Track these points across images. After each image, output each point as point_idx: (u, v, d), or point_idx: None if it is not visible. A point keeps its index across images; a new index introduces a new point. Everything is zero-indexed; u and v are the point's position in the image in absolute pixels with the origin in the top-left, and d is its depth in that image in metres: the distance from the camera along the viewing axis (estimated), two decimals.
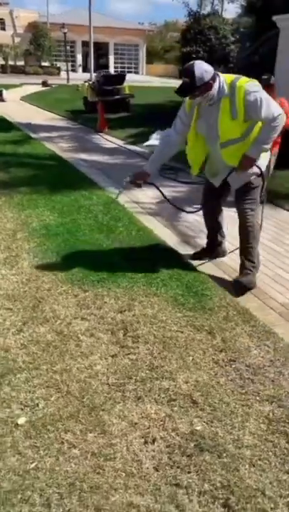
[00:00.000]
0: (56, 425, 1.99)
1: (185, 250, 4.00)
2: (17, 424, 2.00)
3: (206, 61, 8.74)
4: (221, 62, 10.62)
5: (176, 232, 4.51)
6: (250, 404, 2.17)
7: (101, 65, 47.18)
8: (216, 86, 2.91)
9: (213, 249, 3.77)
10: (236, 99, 2.89)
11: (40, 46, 43.66)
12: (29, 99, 18.97)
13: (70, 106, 15.75)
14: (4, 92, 18.17)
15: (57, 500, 1.67)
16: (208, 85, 2.89)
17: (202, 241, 4.05)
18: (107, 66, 48.06)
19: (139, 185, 3.47)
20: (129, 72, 50.14)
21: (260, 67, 11.02)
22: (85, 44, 39.23)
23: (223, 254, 3.80)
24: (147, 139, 9.37)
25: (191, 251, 3.96)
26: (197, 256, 3.77)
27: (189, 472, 1.80)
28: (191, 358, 2.50)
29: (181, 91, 2.95)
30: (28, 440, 1.92)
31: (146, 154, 8.35)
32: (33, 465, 1.80)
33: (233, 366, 2.45)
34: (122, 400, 2.17)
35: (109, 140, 9.93)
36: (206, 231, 3.83)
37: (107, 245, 3.97)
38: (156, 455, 1.88)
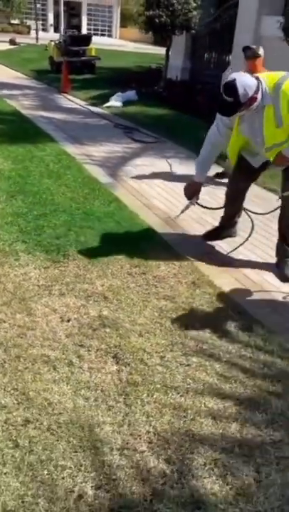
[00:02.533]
0: None
1: (124, 196, 4.51)
2: None
3: (169, 26, 9.03)
4: (183, 27, 10.87)
5: (117, 180, 5.01)
6: (149, 300, 2.76)
7: (73, 26, 45.85)
8: (259, 96, 2.74)
9: (226, 229, 3.56)
10: (280, 105, 2.71)
11: (9, 2, 42.07)
12: None
13: (36, 65, 15.69)
14: None
15: None
16: (252, 99, 2.72)
17: (135, 184, 4.57)
18: (79, 27, 46.72)
19: (195, 200, 3.36)
20: (102, 35, 48.96)
21: (221, 33, 11.41)
22: (57, 2, 38.06)
23: (234, 234, 3.58)
24: (108, 101, 9.71)
25: (130, 196, 4.48)
26: (209, 235, 3.61)
27: (92, 338, 2.38)
28: (110, 270, 3.06)
29: (226, 112, 2.83)
30: None
31: (105, 115, 8.74)
32: None
33: (143, 277, 3.03)
34: (48, 296, 2.72)
35: (71, 100, 10.20)
36: None
37: (54, 188, 4.45)
38: (68, 328, 2.45)
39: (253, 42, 9.37)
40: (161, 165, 5.68)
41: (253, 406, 2.02)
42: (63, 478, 1.64)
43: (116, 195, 4.45)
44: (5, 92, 10.29)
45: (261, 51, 4.59)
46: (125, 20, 50.04)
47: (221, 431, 1.88)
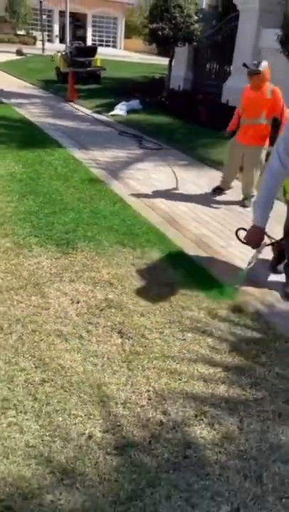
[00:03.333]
0: (9, 292, 2.84)
1: (128, 196, 4.83)
2: None
3: (171, 38, 9.40)
4: (185, 39, 11.27)
5: (121, 183, 5.34)
6: (150, 286, 3.06)
7: (78, 37, 46.61)
8: None
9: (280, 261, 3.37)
10: None
11: (15, 13, 42.84)
12: (2, 67, 19.15)
13: (43, 75, 16.14)
14: None
15: (7, 327, 2.52)
16: None
17: (141, 188, 4.90)
18: (84, 38, 47.55)
19: (262, 248, 2.95)
20: (107, 46, 49.69)
21: (222, 45, 11.80)
22: (63, 14, 38.78)
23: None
24: (113, 109, 10.09)
25: (133, 197, 4.80)
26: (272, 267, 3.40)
27: (99, 317, 2.68)
28: (115, 261, 3.37)
29: None
30: None
31: (109, 123, 9.10)
32: None
33: (145, 266, 3.33)
34: (59, 281, 3.03)
35: (77, 108, 10.58)
36: None
37: (62, 189, 4.78)
38: (78, 308, 2.75)
39: (253, 53, 9.81)
40: (162, 169, 6.01)
41: (240, 372, 2.31)
42: (75, 424, 1.93)
43: (120, 195, 4.76)
44: (13, 100, 10.68)
45: (264, 64, 4.44)
46: (130, 31, 50.78)
47: (210, 390, 2.18)
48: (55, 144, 6.80)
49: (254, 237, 2.77)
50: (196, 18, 11.05)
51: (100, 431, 1.91)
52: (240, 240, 3.02)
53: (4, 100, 10.55)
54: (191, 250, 3.70)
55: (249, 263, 3.03)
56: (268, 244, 3.00)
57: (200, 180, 5.67)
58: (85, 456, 1.79)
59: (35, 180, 4.97)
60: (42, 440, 1.84)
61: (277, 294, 3.16)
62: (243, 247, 3.72)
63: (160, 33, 10.93)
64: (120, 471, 1.74)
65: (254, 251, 2.96)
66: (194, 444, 1.88)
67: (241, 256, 3.67)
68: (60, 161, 5.83)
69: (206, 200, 5.00)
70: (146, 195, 4.93)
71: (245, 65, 4.55)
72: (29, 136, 7.02)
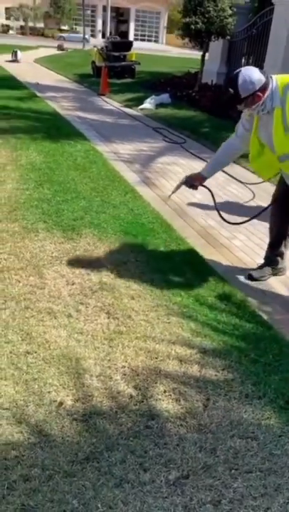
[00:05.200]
0: (10, 272, 3.02)
1: (141, 188, 4.95)
2: None
3: (204, 32, 9.39)
4: (218, 34, 11.22)
5: (138, 175, 5.45)
6: (144, 273, 3.16)
7: (121, 32, 46.92)
8: (266, 95, 2.59)
9: (273, 264, 3.29)
10: (286, 108, 2.57)
11: (60, 9, 43.61)
12: (42, 61, 19.65)
13: (80, 70, 16.46)
14: (19, 53, 18.85)
15: (2, 303, 2.69)
16: (255, 97, 2.57)
17: (159, 182, 4.99)
18: (127, 33, 47.85)
19: (194, 188, 3.24)
20: (149, 40, 49.78)
21: (257, 39, 11.67)
22: (106, 9, 39.13)
23: (282, 271, 3.33)
24: (142, 103, 10.20)
25: (147, 189, 4.91)
26: (256, 275, 3.24)
27: (90, 298, 2.82)
28: (115, 247, 3.49)
29: (230, 103, 2.73)
30: None
31: (137, 116, 9.23)
32: None
33: (144, 254, 3.44)
34: (59, 264, 3.18)
35: (108, 102, 10.76)
36: None
37: (78, 179, 4.94)
38: (72, 289, 2.90)
39: (287, 48, 9.67)
40: (182, 162, 6.08)
41: (216, 355, 2.39)
42: (49, 392, 2.07)
43: (133, 186, 4.88)
44: (47, 94, 10.97)
45: None
46: (172, 26, 50.69)
47: (183, 370, 2.27)
48: (80, 136, 6.99)
49: (194, 179, 3.18)
50: (230, 12, 10.98)
51: (71, 399, 2.04)
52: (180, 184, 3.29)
53: (38, 94, 10.86)
54: (194, 240, 3.78)
55: (173, 191, 3.38)
56: (201, 185, 3.25)
57: (217, 174, 5.69)
58: (52, 421, 1.92)
59: (54, 169, 5.16)
60: (16, 404, 1.99)
61: (267, 284, 3.20)
62: (246, 239, 3.77)
63: (193, 26, 10.94)
64: (83, 435, 1.87)
65: (180, 186, 3.27)
66: (158, 417, 1.98)
67: (243, 248, 3.72)
68: (81, 152, 6.00)
69: (221, 194, 5.04)
70: (160, 187, 5.03)
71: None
72: (55, 128, 7.23)
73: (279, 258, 3.28)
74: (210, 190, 3.34)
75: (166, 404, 2.06)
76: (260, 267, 3.31)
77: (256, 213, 3.39)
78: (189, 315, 2.72)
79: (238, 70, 2.62)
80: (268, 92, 2.59)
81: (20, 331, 2.47)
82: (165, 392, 2.13)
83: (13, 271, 3.03)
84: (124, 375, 2.22)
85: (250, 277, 3.24)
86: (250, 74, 2.57)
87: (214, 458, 1.81)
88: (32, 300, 2.75)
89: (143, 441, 1.86)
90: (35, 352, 2.31)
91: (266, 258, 3.33)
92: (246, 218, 3.49)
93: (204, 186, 3.25)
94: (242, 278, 3.24)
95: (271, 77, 2.62)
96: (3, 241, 3.41)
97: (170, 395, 2.11)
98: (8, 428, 1.87)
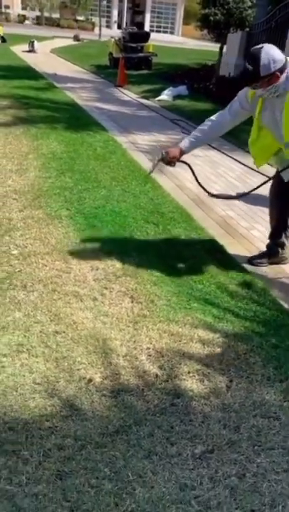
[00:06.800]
0: (36, 256, 3.11)
1: (160, 178, 5.01)
2: (11, 253, 3.13)
3: (223, 24, 9.39)
4: (237, 25, 11.18)
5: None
6: (167, 259, 3.24)
7: (137, 23, 46.63)
8: (283, 78, 2.49)
9: (274, 253, 3.32)
10: None
11: None
12: (59, 52, 19.69)
13: (96, 61, 16.49)
14: (36, 43, 18.91)
15: (30, 286, 2.79)
16: (273, 77, 2.46)
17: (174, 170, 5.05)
18: (142, 24, 47.55)
19: (172, 164, 3.02)
20: (164, 32, 49.41)
21: (276, 31, 11.58)
22: (122, 0, 38.93)
23: (286, 259, 3.33)
24: (159, 95, 10.22)
25: (163, 176, 4.97)
26: (255, 260, 3.32)
27: (114, 283, 2.90)
28: (137, 235, 3.58)
29: (244, 80, 2.63)
30: (17, 261, 3.04)
31: (154, 107, 9.26)
32: (18, 270, 2.93)
33: (165, 241, 3.52)
34: (83, 250, 3.27)
35: (125, 93, 10.80)
36: None
37: (98, 168, 5.02)
38: (96, 274, 2.98)
39: None
40: (200, 154, 6.11)
41: (238, 339, 2.46)
42: (79, 369, 2.16)
43: (152, 177, 4.94)
44: (65, 84, 11.04)
45: None
46: (189, 17, 50.23)
47: (206, 352, 2.35)
48: (99, 126, 7.06)
49: (172, 154, 2.93)
50: (249, 3, 10.95)
51: (99, 377, 2.13)
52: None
53: (56, 84, 10.93)
54: (213, 230, 3.84)
55: (151, 169, 3.21)
56: (179, 161, 3.03)
57: (233, 164, 5.75)
58: (82, 396, 2.02)
59: (74, 159, 5.24)
60: (47, 380, 2.09)
61: (287, 274, 3.26)
62: (265, 230, 3.82)
63: (212, 18, 10.93)
64: (112, 410, 1.96)
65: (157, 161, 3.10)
66: (183, 395, 2.06)
67: (262, 238, 3.77)
68: (101, 142, 6.07)
69: (238, 184, 5.08)
70: (178, 177, 5.08)
71: None
72: (74, 119, 7.31)
73: (279, 248, 3.31)
74: (188, 165, 3.13)
75: (190, 384, 2.14)
76: (261, 254, 3.38)
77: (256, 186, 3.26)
78: (211, 301, 2.80)
79: (259, 46, 2.47)
80: (284, 75, 2.50)
81: (48, 312, 2.56)
82: (189, 372, 2.20)
83: (39, 255, 3.13)
84: (149, 356, 2.30)
85: (250, 262, 3.32)
86: (273, 52, 2.44)
87: (238, 435, 1.88)
88: (58, 283, 2.84)
89: (169, 418, 1.94)
90: (64, 332, 2.41)
91: (267, 246, 3.38)
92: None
93: (182, 161, 3.04)
94: (262, 267, 3.29)
95: (287, 59, 2.52)
96: (29, 227, 3.51)
97: (194, 376, 2.19)
98: (42, 401, 1.96)
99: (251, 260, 3.34)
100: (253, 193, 4.83)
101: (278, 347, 2.42)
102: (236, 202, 4.55)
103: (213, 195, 3.37)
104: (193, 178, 3.24)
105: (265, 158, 2.98)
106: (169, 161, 2.95)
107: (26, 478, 1.63)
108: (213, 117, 2.95)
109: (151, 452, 1.78)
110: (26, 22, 43.28)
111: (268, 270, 3.27)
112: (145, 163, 5.47)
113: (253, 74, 2.46)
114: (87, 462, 1.71)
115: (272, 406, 2.04)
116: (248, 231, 3.91)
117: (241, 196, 3.37)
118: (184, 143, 2.94)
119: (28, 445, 1.76)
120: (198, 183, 3.27)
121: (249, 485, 1.68)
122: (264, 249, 3.43)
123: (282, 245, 3.31)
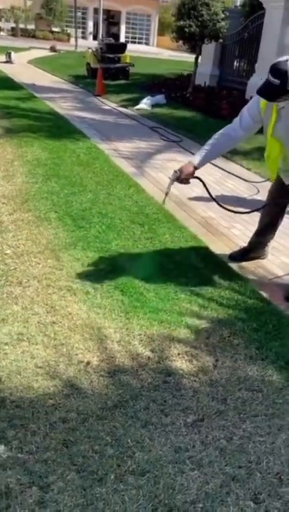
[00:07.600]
0: (29, 255, 3.27)
1: (143, 182, 5.21)
2: (5, 253, 3.28)
3: (198, 35, 9.72)
4: (211, 37, 11.54)
5: (139, 170, 5.72)
6: (153, 256, 3.44)
7: (112, 34, 47.14)
8: None
9: (256, 249, 3.51)
10: None
11: (51, 11, 43.76)
12: (36, 62, 19.82)
13: (74, 71, 16.67)
14: (13, 54, 19.01)
15: (25, 282, 2.94)
16: None
17: (156, 174, 5.27)
18: (118, 35, 48.11)
19: (186, 182, 2.96)
20: (140, 43, 50.06)
21: (248, 43, 12.03)
22: (97, 11, 39.33)
23: (264, 255, 3.56)
24: (138, 104, 10.47)
25: (148, 183, 5.18)
26: (236, 256, 3.51)
27: (105, 278, 3.07)
28: (124, 234, 3.76)
29: (268, 94, 2.50)
30: (11, 259, 3.20)
31: (134, 116, 9.50)
32: (12, 268, 3.09)
33: (151, 241, 3.71)
34: (73, 249, 3.44)
35: (104, 103, 11.02)
36: None
37: (83, 174, 5.20)
38: (87, 271, 3.16)
39: (278, 51, 10.00)
40: (180, 159, 6.36)
41: (222, 324, 2.67)
42: (76, 354, 2.33)
43: (136, 181, 5.15)
44: (44, 94, 11.19)
45: None
46: (163, 28, 51.00)
47: (193, 336, 2.54)
48: (80, 134, 7.24)
49: (185, 172, 2.87)
50: (222, 15, 11.31)
51: (96, 360, 2.30)
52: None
53: (36, 94, 11.09)
54: (196, 229, 4.05)
55: (166, 193, 3.13)
56: (194, 177, 2.98)
57: (213, 169, 6.00)
58: (82, 377, 2.18)
59: (59, 165, 5.41)
60: (48, 364, 2.25)
61: (264, 267, 3.49)
62: (244, 229, 4.05)
63: (187, 30, 11.25)
64: (110, 388, 2.13)
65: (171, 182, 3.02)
66: (174, 374, 2.25)
67: (241, 236, 4.00)
68: (83, 149, 6.26)
69: (218, 188, 5.33)
70: (160, 182, 5.30)
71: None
72: (56, 127, 7.48)
73: (260, 246, 3.51)
74: (202, 181, 3.10)
75: (180, 364, 2.33)
76: (242, 250, 3.58)
77: (255, 208, 3.45)
78: (196, 292, 3.00)
79: (283, 59, 2.40)
80: None
81: (44, 305, 2.72)
82: (179, 354, 2.40)
83: (32, 254, 3.29)
84: (141, 341, 2.49)
85: (231, 257, 3.52)
86: None
87: (225, 405, 2.08)
88: (52, 279, 3.00)
89: (162, 393, 2.13)
90: (60, 322, 2.57)
91: (249, 243, 3.56)
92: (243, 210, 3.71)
93: (196, 177, 2.99)
94: (242, 262, 3.52)
95: None
96: (20, 228, 3.66)
97: (183, 357, 2.38)
98: (44, 382, 2.13)
99: (232, 255, 3.56)
100: (232, 195, 5.10)
101: (259, 330, 2.63)
102: (216, 204, 4.78)
103: (226, 209, 3.36)
104: (206, 191, 3.24)
105: (276, 171, 3.01)
106: (184, 178, 2.90)
107: (35, 447, 1.79)
108: (223, 131, 2.93)
109: (147, 422, 1.96)
110: (1, 33, 43.31)
111: (247, 265, 3.50)
112: (126, 167, 5.68)
113: (280, 88, 2.39)
114: (90, 432, 1.88)
115: (256, 381, 2.25)
116: (228, 230, 4.15)
117: (251, 212, 3.49)
118: (196, 159, 2.91)
119: (34, 419, 1.92)
120: (211, 196, 3.25)
121: (236, 446, 1.88)
122: (243, 245, 3.66)
123: (265, 244, 3.53)
